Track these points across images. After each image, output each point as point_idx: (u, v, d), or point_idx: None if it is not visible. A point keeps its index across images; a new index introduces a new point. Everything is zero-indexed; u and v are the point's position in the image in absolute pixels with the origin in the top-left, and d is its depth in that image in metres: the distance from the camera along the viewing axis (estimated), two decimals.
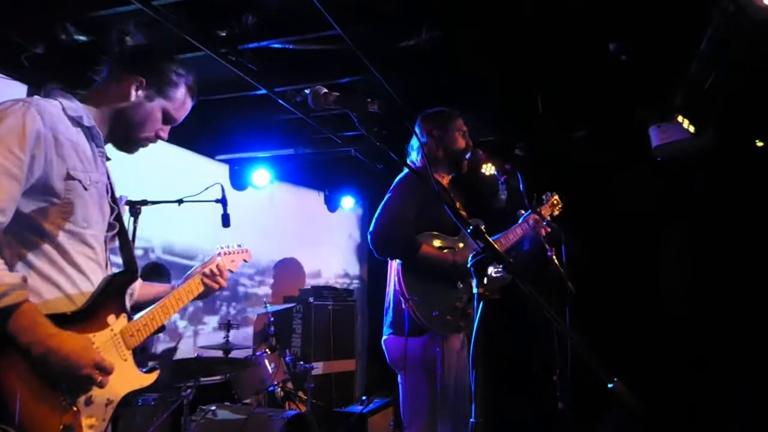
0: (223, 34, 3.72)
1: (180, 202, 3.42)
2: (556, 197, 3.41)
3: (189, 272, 2.17)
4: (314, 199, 7.29)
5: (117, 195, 1.89)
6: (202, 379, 3.63)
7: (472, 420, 1.33)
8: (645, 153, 4.69)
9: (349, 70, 4.22)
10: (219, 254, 2.27)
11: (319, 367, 5.59)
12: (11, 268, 1.52)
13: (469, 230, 1.34)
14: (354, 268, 7.83)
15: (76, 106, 1.71)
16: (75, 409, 1.55)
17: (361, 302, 7.40)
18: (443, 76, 4.30)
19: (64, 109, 1.67)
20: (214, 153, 5.76)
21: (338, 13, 3.42)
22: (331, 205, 7.40)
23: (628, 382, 1.45)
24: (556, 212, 3.38)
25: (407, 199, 2.75)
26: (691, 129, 4.28)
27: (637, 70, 3.99)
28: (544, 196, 3.35)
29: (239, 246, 2.38)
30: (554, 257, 3.12)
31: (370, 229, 2.73)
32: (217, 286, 2.13)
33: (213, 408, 3.67)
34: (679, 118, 4.25)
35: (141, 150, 1.95)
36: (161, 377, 1.92)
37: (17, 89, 3.69)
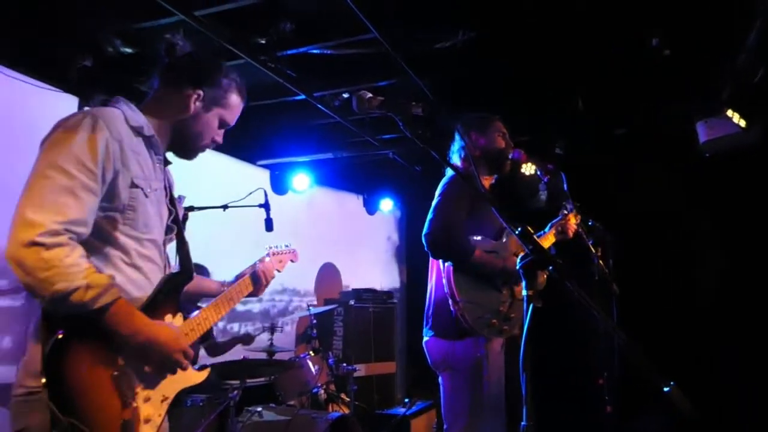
0: (262, 42, 3.78)
1: (225, 207, 3.49)
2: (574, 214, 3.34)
3: (240, 272, 2.26)
4: (353, 202, 7.33)
5: (176, 196, 1.97)
6: (247, 380, 3.70)
7: (523, 423, 1.33)
8: (688, 150, 4.58)
9: (386, 73, 4.24)
10: (267, 254, 2.37)
11: (360, 369, 5.62)
12: None
13: (517, 232, 1.34)
14: (393, 270, 7.84)
15: (137, 116, 1.77)
16: (134, 405, 1.61)
17: (400, 304, 7.40)
18: (480, 76, 4.27)
19: (126, 119, 1.73)
20: (255, 159, 5.85)
21: (374, 16, 3.44)
22: (370, 207, 7.42)
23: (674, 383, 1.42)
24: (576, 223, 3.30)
25: (458, 201, 2.76)
26: (742, 123, 4.15)
27: (680, 65, 3.89)
28: (567, 204, 3.30)
29: (287, 246, 2.49)
30: (598, 258, 3.08)
31: (425, 231, 2.74)
32: (264, 286, 2.24)
33: (258, 409, 3.72)
34: (729, 113, 4.13)
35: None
36: (210, 378, 1.97)
37: (68, 101, 3.82)
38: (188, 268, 1.93)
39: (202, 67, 1.89)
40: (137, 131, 1.75)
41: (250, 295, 2.20)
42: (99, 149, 1.58)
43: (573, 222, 3.13)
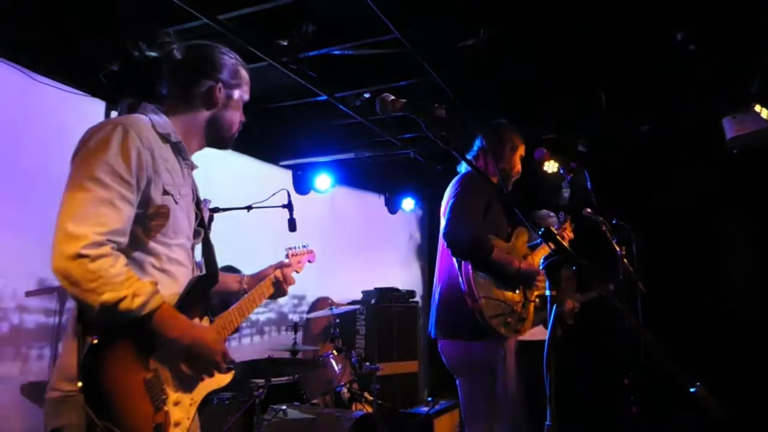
0: (284, 44, 3.81)
1: (249, 208, 3.52)
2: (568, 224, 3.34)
3: (260, 271, 2.28)
4: (375, 201, 7.35)
5: (201, 199, 2.00)
6: (272, 379, 3.74)
7: (547, 423, 1.33)
8: (714, 146, 4.51)
9: (407, 73, 4.24)
10: (287, 255, 2.39)
11: (382, 368, 5.63)
12: None
13: (540, 232, 1.34)
14: (415, 269, 7.84)
15: (164, 122, 1.80)
16: (165, 409, 1.64)
17: (422, 303, 7.40)
18: (503, 74, 4.25)
19: (153, 126, 1.75)
20: (277, 159, 5.90)
21: (395, 16, 3.44)
22: (392, 207, 7.44)
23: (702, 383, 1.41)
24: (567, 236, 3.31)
25: (475, 198, 2.77)
26: None
27: (706, 60, 3.83)
28: (559, 215, 3.31)
29: (304, 247, 2.50)
30: (624, 257, 3.05)
31: (444, 230, 2.75)
32: (286, 287, 2.25)
33: (283, 408, 3.76)
34: (757, 108, 4.05)
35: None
36: (236, 376, 1.99)
37: (96, 105, 3.89)
38: (214, 271, 1.95)
39: (209, 57, 1.91)
40: (165, 138, 1.77)
41: (272, 297, 2.22)
42: (132, 159, 1.61)
43: (569, 232, 3.16)
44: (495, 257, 2.68)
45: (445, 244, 2.75)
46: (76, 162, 1.61)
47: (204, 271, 1.94)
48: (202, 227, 1.96)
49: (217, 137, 1.95)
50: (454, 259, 2.79)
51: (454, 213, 2.75)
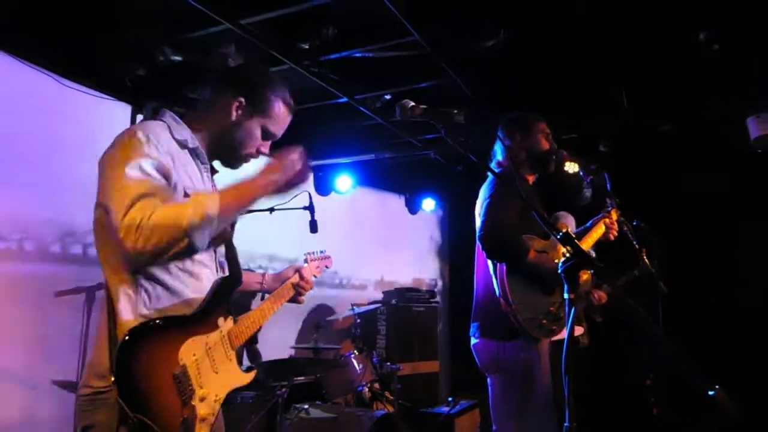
0: (306, 47, 3.85)
1: (271, 210, 3.57)
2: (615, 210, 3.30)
3: (279, 272, 2.32)
4: (395, 202, 7.38)
5: None
6: (294, 378, 3.78)
7: (566, 424, 1.34)
8: (738, 146, 4.45)
9: (427, 75, 4.26)
10: (306, 260, 2.42)
11: (403, 368, 5.66)
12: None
13: (559, 236, 1.36)
14: (435, 270, 7.86)
15: (182, 129, 1.84)
16: (192, 403, 1.68)
17: (443, 303, 7.41)
18: (523, 75, 4.25)
19: (171, 132, 1.80)
20: None
21: (414, 18, 3.46)
22: (412, 207, 7.46)
23: (723, 385, 1.42)
24: (615, 219, 3.27)
25: (509, 200, 2.74)
26: None
27: (730, 59, 3.78)
28: (609, 199, 3.25)
29: (322, 252, 2.53)
30: (644, 258, 3.04)
31: (479, 233, 2.73)
32: (305, 292, 2.27)
33: (306, 407, 3.80)
34: None
35: None
36: (258, 376, 2.04)
37: (122, 109, 3.98)
38: (237, 273, 1.98)
39: (246, 75, 1.94)
40: (182, 144, 1.82)
41: (291, 300, 2.24)
42: (155, 163, 1.66)
43: (615, 217, 3.10)
44: (531, 259, 2.65)
45: (480, 247, 2.74)
46: (104, 169, 1.67)
47: (227, 272, 1.97)
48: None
49: (223, 152, 1.95)
50: (489, 262, 2.77)
51: (488, 215, 2.72)
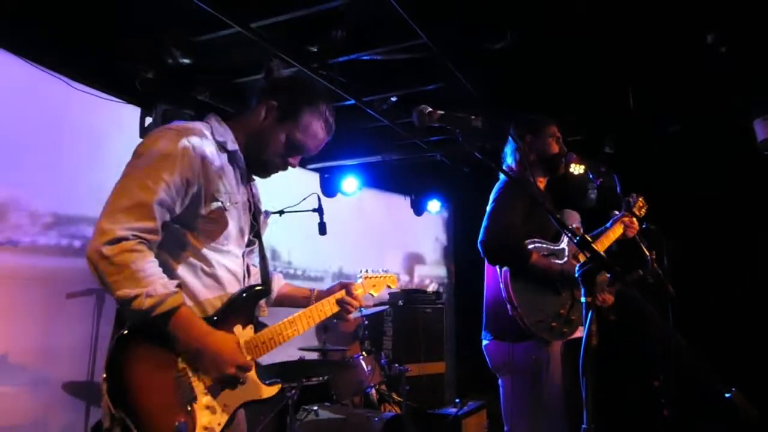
0: (314, 50, 3.87)
1: (281, 213, 3.60)
2: (642, 200, 3.32)
3: (330, 287, 2.21)
4: (401, 203, 7.39)
5: (262, 211, 2.02)
6: (304, 380, 3.79)
7: (583, 426, 1.35)
8: (746, 148, 4.45)
9: (435, 77, 4.28)
10: (360, 278, 2.31)
11: (410, 369, 5.66)
12: None
13: (576, 240, 1.37)
14: (441, 271, 7.87)
15: (224, 131, 1.87)
16: (189, 409, 1.64)
17: (449, 304, 7.41)
18: (530, 77, 4.26)
19: (213, 133, 1.82)
20: (305, 162, 5.96)
21: (422, 20, 3.48)
22: (418, 209, 7.47)
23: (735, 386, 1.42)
24: (643, 213, 3.29)
25: (512, 206, 2.76)
26: None
27: (737, 60, 3.79)
28: (630, 198, 3.27)
29: (384, 271, 2.42)
30: (654, 260, 3.04)
31: (480, 238, 2.75)
32: (352, 309, 2.14)
33: (315, 408, 3.81)
34: None
35: None
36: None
37: (131, 111, 4.00)
38: (266, 282, 1.97)
39: (287, 84, 1.95)
40: (222, 146, 1.83)
41: (334, 317, 2.12)
42: (178, 163, 1.66)
43: (639, 207, 3.12)
44: (534, 263, 2.66)
45: (481, 252, 2.76)
46: (128, 163, 1.69)
47: (257, 281, 1.96)
48: (258, 238, 1.98)
49: (253, 157, 1.93)
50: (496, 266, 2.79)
51: (490, 221, 2.75)
